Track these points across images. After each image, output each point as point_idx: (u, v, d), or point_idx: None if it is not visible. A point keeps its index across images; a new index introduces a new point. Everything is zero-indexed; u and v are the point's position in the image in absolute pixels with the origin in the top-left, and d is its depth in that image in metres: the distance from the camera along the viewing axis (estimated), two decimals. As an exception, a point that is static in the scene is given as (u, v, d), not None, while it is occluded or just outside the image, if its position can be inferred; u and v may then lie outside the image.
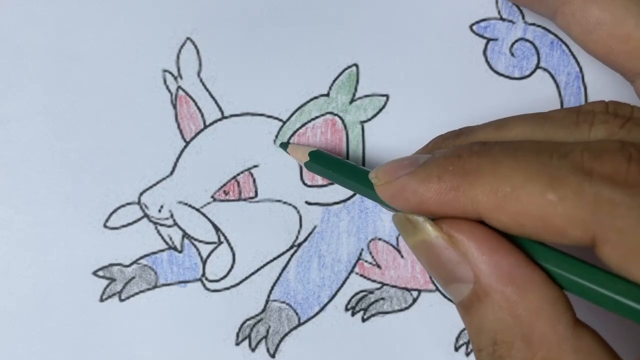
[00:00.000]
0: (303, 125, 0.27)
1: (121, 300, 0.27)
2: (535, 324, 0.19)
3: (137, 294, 0.27)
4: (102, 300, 0.27)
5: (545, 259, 0.19)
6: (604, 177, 0.18)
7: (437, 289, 0.28)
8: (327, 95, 0.27)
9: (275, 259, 0.27)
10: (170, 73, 0.27)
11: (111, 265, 0.27)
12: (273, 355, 0.27)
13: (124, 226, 0.27)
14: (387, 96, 0.27)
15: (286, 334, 0.27)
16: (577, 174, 0.18)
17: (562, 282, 0.19)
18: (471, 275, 0.19)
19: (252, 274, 0.27)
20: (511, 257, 0.19)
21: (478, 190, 0.19)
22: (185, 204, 0.27)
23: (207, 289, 0.27)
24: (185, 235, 0.27)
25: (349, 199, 0.27)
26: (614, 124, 0.20)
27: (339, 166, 0.25)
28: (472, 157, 0.19)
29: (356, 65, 0.27)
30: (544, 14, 0.25)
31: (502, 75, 0.27)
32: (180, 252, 0.27)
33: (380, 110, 0.27)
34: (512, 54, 0.27)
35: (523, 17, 0.27)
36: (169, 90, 0.27)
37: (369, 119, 0.27)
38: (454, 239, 0.19)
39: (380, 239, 0.27)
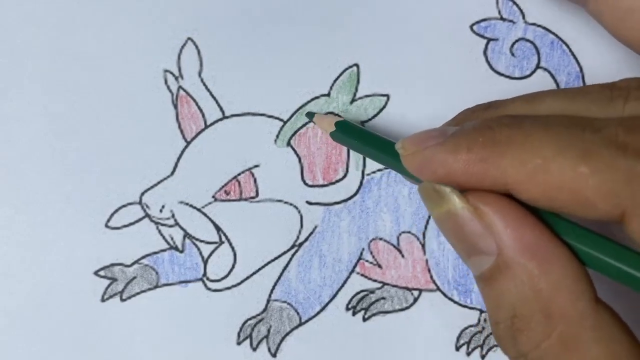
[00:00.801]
0: (304, 125, 0.27)
1: (122, 300, 0.27)
2: (556, 299, 0.18)
3: (138, 293, 0.27)
4: (103, 300, 0.27)
5: (569, 234, 0.19)
6: (638, 152, 0.18)
7: (438, 289, 0.28)
8: (328, 95, 0.27)
9: (276, 258, 0.27)
10: (171, 73, 0.27)
11: (112, 265, 0.27)
12: (274, 355, 0.27)
13: (125, 226, 0.27)
14: (387, 96, 0.27)
15: (287, 334, 0.27)
16: (611, 148, 0.18)
17: (585, 258, 0.19)
18: (494, 248, 0.19)
19: (253, 273, 0.27)
20: (535, 231, 0.19)
21: (508, 161, 0.19)
22: (187, 203, 0.27)
23: (209, 289, 0.27)
24: (186, 235, 0.27)
25: (349, 198, 0.27)
26: None
27: (365, 137, 0.24)
28: (503, 128, 0.19)
29: (357, 65, 0.27)
30: (576, 1, 0.24)
31: (502, 75, 0.27)
32: (181, 252, 0.27)
33: (381, 110, 0.27)
34: (513, 54, 0.27)
35: (523, 17, 0.27)
36: (170, 90, 0.27)
37: (370, 119, 0.27)
38: (479, 210, 0.19)
39: (381, 239, 0.27)
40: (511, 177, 0.19)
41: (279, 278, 0.27)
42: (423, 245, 0.28)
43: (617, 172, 0.18)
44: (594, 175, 0.18)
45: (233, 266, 0.27)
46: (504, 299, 0.19)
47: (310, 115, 0.27)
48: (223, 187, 0.27)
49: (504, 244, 0.19)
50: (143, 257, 0.27)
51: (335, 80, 0.27)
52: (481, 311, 0.28)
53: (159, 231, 0.27)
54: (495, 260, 0.19)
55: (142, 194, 0.27)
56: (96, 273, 0.27)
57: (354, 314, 0.27)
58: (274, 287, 0.27)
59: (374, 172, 0.27)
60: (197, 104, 0.27)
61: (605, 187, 0.18)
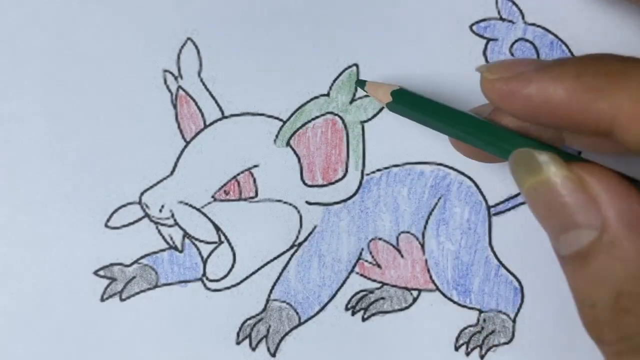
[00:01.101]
0: (303, 125, 0.27)
1: (122, 299, 0.27)
2: None
3: (137, 293, 0.27)
4: (102, 299, 0.27)
5: None
6: None
7: (437, 289, 0.28)
8: (328, 95, 0.27)
9: (275, 258, 0.27)
10: (171, 73, 0.27)
11: (112, 264, 0.27)
12: (273, 355, 0.27)
13: (124, 226, 0.27)
14: (387, 96, 0.27)
15: (286, 334, 0.27)
16: None
17: None
18: (598, 222, 0.18)
19: (253, 273, 0.27)
20: None
21: (623, 94, 0.17)
22: (186, 203, 0.27)
23: (208, 289, 0.27)
24: (185, 235, 0.27)
25: (349, 198, 0.27)
26: None
27: (427, 105, 0.23)
28: (616, 61, 0.18)
29: (356, 65, 0.27)
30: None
31: (502, 75, 0.27)
32: (180, 251, 0.27)
33: (381, 110, 0.27)
34: (512, 54, 0.27)
35: (523, 17, 0.27)
36: (170, 90, 0.27)
37: (369, 119, 0.27)
38: (584, 181, 0.18)
39: (380, 239, 0.27)
40: (624, 113, 0.17)
41: (279, 278, 0.27)
42: (422, 245, 0.28)
43: None
44: None
45: (232, 266, 0.27)
46: (606, 276, 0.18)
47: (361, 83, 0.26)
48: (222, 187, 0.27)
49: (611, 217, 0.17)
50: (142, 257, 0.27)
51: (334, 80, 0.27)
52: (480, 311, 0.28)
53: (159, 231, 0.27)
54: (598, 234, 0.18)
55: (142, 193, 0.27)
56: (96, 273, 0.27)
57: (353, 313, 0.28)
58: (273, 287, 0.27)
59: (373, 172, 0.27)
60: (196, 103, 0.27)
61: None
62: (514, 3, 0.27)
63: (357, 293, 0.28)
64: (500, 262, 0.28)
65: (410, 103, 0.24)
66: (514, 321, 0.28)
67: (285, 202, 0.27)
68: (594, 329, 0.19)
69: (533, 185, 0.19)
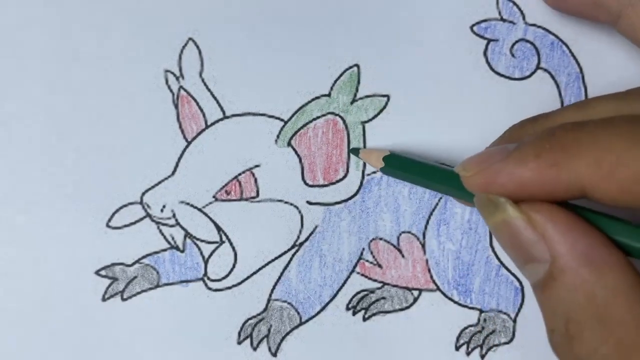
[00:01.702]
0: (304, 125, 0.27)
1: (123, 299, 0.27)
2: (612, 305, 0.18)
3: (139, 293, 0.27)
4: (104, 299, 0.27)
5: (624, 234, 0.19)
6: None
7: (438, 289, 0.28)
8: (329, 95, 0.27)
9: (276, 258, 0.27)
10: (172, 73, 0.27)
11: (113, 264, 0.27)
12: (275, 354, 0.27)
13: (126, 226, 0.27)
14: (388, 96, 0.27)
15: (288, 333, 0.27)
16: None
17: (636, 254, 0.19)
18: (547, 255, 0.19)
19: (254, 273, 0.27)
20: (589, 237, 0.19)
21: (581, 162, 0.18)
22: (187, 203, 0.27)
23: (209, 289, 0.27)
24: (187, 234, 0.27)
25: (350, 198, 0.27)
26: None
27: (418, 167, 0.25)
28: (568, 133, 0.19)
29: (357, 65, 0.27)
30: (606, 20, 0.24)
31: (502, 75, 0.27)
32: (182, 251, 0.27)
33: (381, 110, 0.27)
34: (513, 55, 0.27)
35: (524, 18, 0.27)
36: (171, 90, 0.27)
37: (370, 119, 0.27)
38: (532, 219, 0.19)
39: (381, 239, 0.27)
40: (586, 178, 0.18)
41: (280, 278, 0.27)
42: (423, 245, 0.28)
43: None
44: None
45: (234, 266, 0.27)
46: (558, 305, 0.19)
47: (355, 151, 0.27)
48: (224, 187, 0.27)
49: (557, 251, 0.19)
50: (144, 257, 0.27)
51: (335, 81, 0.27)
52: (481, 311, 0.28)
53: (160, 231, 0.27)
54: (549, 267, 0.19)
55: (143, 193, 0.27)
56: (97, 272, 0.27)
57: (354, 313, 0.28)
58: (274, 287, 0.27)
59: (374, 172, 0.27)
60: (197, 103, 0.27)
61: None
62: (515, 4, 0.27)
63: (358, 293, 0.28)
64: (501, 262, 0.28)
65: (401, 166, 0.25)
66: (514, 321, 0.28)
67: (286, 202, 0.27)
68: (556, 353, 0.20)
69: (494, 224, 0.21)
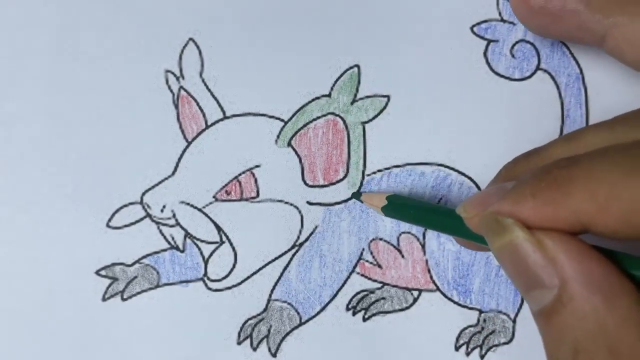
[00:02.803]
0: (305, 126, 0.27)
1: (123, 299, 0.27)
2: (624, 335, 0.18)
3: (139, 293, 0.27)
4: (104, 299, 0.27)
5: (635, 268, 0.19)
6: None
7: (438, 289, 0.28)
8: (329, 95, 0.27)
9: (276, 258, 0.27)
10: (173, 73, 0.27)
11: (113, 264, 0.27)
12: (274, 355, 0.27)
13: (126, 226, 0.27)
14: (388, 97, 0.27)
15: (287, 334, 0.27)
16: None
17: None
18: (556, 281, 0.19)
19: (254, 273, 0.27)
20: (601, 265, 0.18)
21: (577, 198, 0.18)
22: (187, 203, 0.27)
23: (209, 289, 0.27)
24: (187, 235, 0.27)
25: (350, 199, 0.27)
26: None
27: (419, 208, 0.25)
28: (562, 170, 0.19)
29: (357, 66, 0.27)
30: (592, 43, 0.24)
31: (502, 76, 0.27)
32: (182, 251, 0.27)
33: (382, 111, 0.27)
34: (513, 55, 0.27)
35: (524, 19, 0.27)
36: (171, 91, 0.27)
37: (370, 120, 0.27)
38: (542, 242, 0.19)
39: (381, 239, 0.27)
40: (584, 213, 0.18)
41: (280, 278, 0.27)
42: (423, 246, 0.28)
43: None
44: None
45: (234, 266, 0.27)
46: (566, 334, 0.19)
47: (357, 195, 0.27)
48: (224, 187, 0.27)
49: (568, 276, 0.18)
50: (144, 257, 0.27)
51: (336, 81, 0.27)
52: (480, 311, 0.28)
53: (160, 231, 0.27)
54: (557, 293, 0.19)
55: (143, 193, 0.27)
56: (97, 272, 0.27)
57: (354, 314, 0.28)
58: (274, 287, 0.27)
59: (374, 173, 0.27)
60: (198, 104, 0.27)
61: None
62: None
63: (358, 293, 0.28)
64: (501, 263, 0.28)
65: (402, 207, 0.25)
66: (514, 321, 0.28)
67: (286, 202, 0.27)
68: None
69: (500, 247, 0.20)
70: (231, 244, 0.27)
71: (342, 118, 0.27)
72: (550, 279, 0.19)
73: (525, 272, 0.19)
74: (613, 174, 0.18)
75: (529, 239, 0.19)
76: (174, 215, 0.27)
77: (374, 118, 0.27)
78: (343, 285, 0.28)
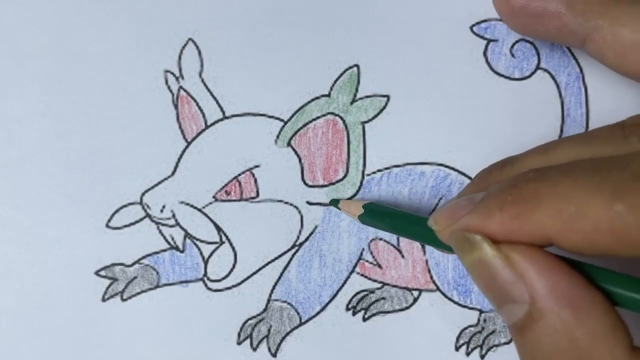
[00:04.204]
0: (304, 126, 0.27)
1: (123, 299, 0.27)
2: (593, 348, 0.18)
3: (139, 293, 0.27)
4: (104, 299, 0.27)
5: (606, 281, 0.19)
6: None
7: (438, 289, 0.28)
8: (328, 95, 0.27)
9: (276, 258, 0.27)
10: (172, 73, 0.27)
11: (113, 265, 0.27)
12: (274, 355, 0.27)
13: (126, 226, 0.27)
14: (387, 97, 0.27)
15: (287, 334, 0.27)
16: None
17: (622, 301, 0.19)
18: (526, 296, 0.19)
19: (254, 273, 0.27)
20: (569, 279, 0.19)
21: (542, 214, 0.18)
22: (187, 204, 0.27)
23: (209, 289, 0.27)
24: (187, 235, 0.27)
25: (349, 199, 0.27)
26: None
27: (395, 217, 0.25)
28: (529, 184, 0.19)
29: (357, 65, 0.27)
30: (573, 44, 0.24)
31: (502, 76, 0.27)
32: (182, 252, 0.27)
33: (381, 110, 0.27)
34: (513, 55, 0.27)
35: (523, 18, 0.27)
36: (171, 91, 0.27)
37: (370, 120, 0.27)
38: (510, 258, 0.19)
39: (381, 239, 0.27)
40: (549, 228, 0.18)
41: (279, 278, 0.27)
42: (423, 246, 0.28)
43: None
44: (632, 212, 0.17)
45: (233, 266, 0.27)
46: (538, 348, 0.19)
47: (335, 202, 0.27)
48: (224, 187, 0.27)
49: (537, 292, 0.19)
50: (144, 257, 0.27)
51: (335, 81, 0.27)
52: (481, 311, 0.28)
53: (160, 231, 0.27)
54: (528, 309, 0.19)
55: (143, 194, 0.27)
56: (97, 273, 0.27)
57: (354, 314, 0.28)
58: (274, 287, 0.27)
59: (374, 173, 0.27)
60: (197, 104, 0.27)
61: None
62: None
63: (358, 293, 0.28)
64: (501, 262, 0.28)
65: (378, 215, 0.25)
66: (514, 321, 0.28)
67: (286, 202, 0.27)
68: None
69: (470, 264, 0.20)
70: (231, 244, 0.27)
71: (341, 118, 0.27)
72: (520, 294, 0.19)
73: (496, 288, 0.20)
74: (579, 193, 0.18)
75: (498, 255, 0.19)
76: (173, 216, 0.27)
77: (373, 118, 0.27)
78: (343, 285, 0.28)
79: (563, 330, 0.18)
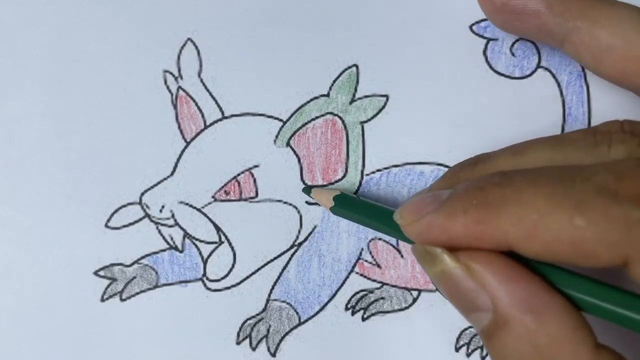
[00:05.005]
0: (303, 126, 0.27)
1: (122, 300, 0.27)
2: (556, 351, 0.18)
3: (138, 293, 0.27)
4: (103, 300, 0.27)
5: (565, 283, 0.19)
6: (630, 197, 0.18)
7: (438, 289, 0.28)
8: (327, 95, 0.27)
9: (275, 258, 0.27)
10: (171, 73, 0.27)
11: (112, 265, 0.27)
12: (274, 355, 0.27)
13: (125, 226, 0.27)
14: (387, 96, 0.27)
15: (287, 333, 0.27)
16: (604, 196, 0.18)
17: (583, 305, 0.19)
18: (489, 304, 0.19)
19: (253, 273, 0.27)
20: (529, 284, 0.19)
21: (505, 220, 0.19)
22: (186, 204, 0.27)
23: (208, 289, 0.27)
24: (186, 235, 0.27)
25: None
26: (631, 142, 0.21)
27: (364, 208, 0.25)
28: (495, 188, 0.19)
29: (356, 65, 0.27)
30: (552, 44, 0.25)
31: (502, 75, 0.27)
32: (181, 252, 0.27)
33: (380, 110, 0.27)
34: (513, 54, 0.27)
35: (523, 17, 0.27)
36: (170, 91, 0.27)
37: (369, 119, 0.27)
38: (470, 268, 0.19)
39: (380, 239, 0.27)
40: (511, 235, 0.19)
41: (279, 278, 0.27)
42: (422, 246, 0.27)
43: (613, 221, 0.18)
44: (592, 227, 0.18)
45: (233, 266, 0.27)
46: (505, 354, 0.19)
47: (307, 190, 0.27)
48: (223, 187, 0.27)
49: (498, 299, 0.19)
50: (143, 257, 0.27)
51: (334, 81, 0.27)
52: (481, 311, 0.28)
53: (159, 231, 0.27)
54: (492, 316, 0.19)
55: (142, 194, 0.27)
56: (96, 273, 0.27)
57: (353, 313, 0.28)
58: (273, 287, 0.27)
59: (373, 173, 0.27)
60: (196, 104, 0.27)
61: (604, 237, 0.18)
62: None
63: (357, 293, 0.28)
64: (501, 263, 0.27)
65: (349, 206, 0.25)
66: (514, 321, 0.27)
67: (285, 202, 0.27)
68: None
69: (434, 276, 0.21)
70: (230, 244, 0.27)
71: (340, 118, 0.27)
72: (484, 302, 0.19)
73: (460, 298, 0.20)
74: (542, 202, 0.18)
75: (458, 266, 0.20)
76: (172, 216, 0.27)
77: (372, 118, 0.27)
78: (342, 285, 0.28)
79: (526, 336, 0.19)
